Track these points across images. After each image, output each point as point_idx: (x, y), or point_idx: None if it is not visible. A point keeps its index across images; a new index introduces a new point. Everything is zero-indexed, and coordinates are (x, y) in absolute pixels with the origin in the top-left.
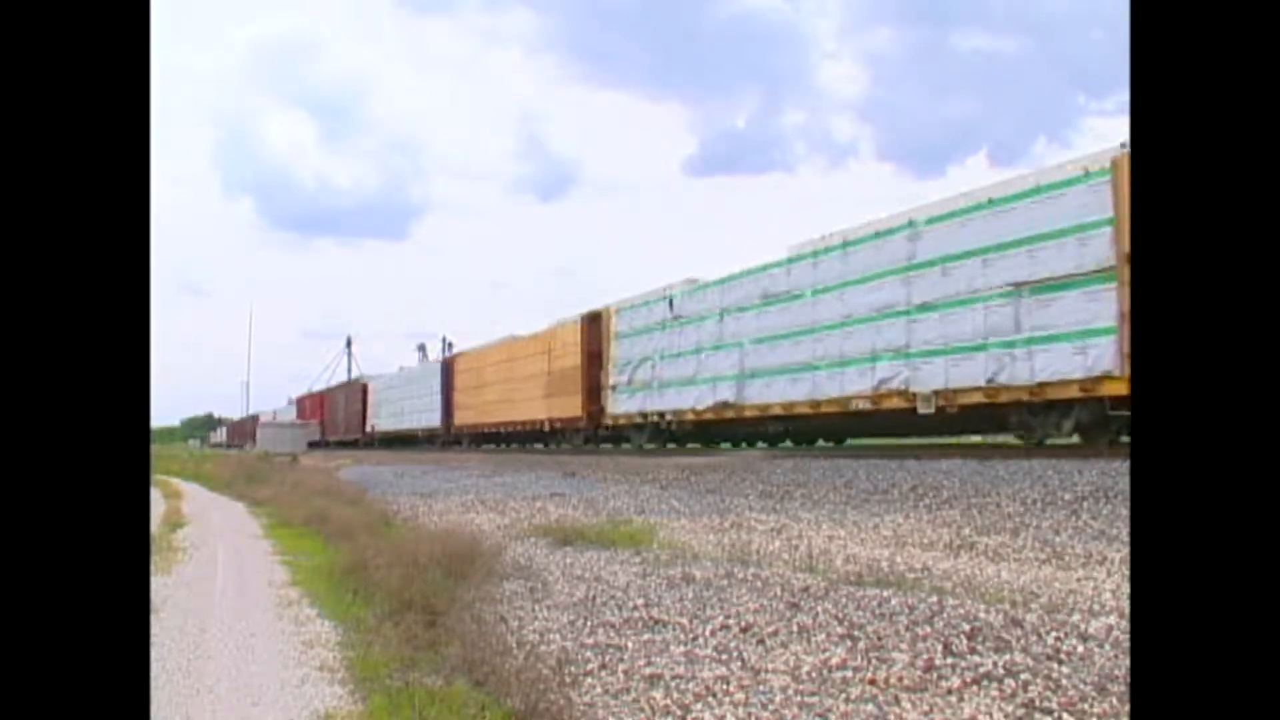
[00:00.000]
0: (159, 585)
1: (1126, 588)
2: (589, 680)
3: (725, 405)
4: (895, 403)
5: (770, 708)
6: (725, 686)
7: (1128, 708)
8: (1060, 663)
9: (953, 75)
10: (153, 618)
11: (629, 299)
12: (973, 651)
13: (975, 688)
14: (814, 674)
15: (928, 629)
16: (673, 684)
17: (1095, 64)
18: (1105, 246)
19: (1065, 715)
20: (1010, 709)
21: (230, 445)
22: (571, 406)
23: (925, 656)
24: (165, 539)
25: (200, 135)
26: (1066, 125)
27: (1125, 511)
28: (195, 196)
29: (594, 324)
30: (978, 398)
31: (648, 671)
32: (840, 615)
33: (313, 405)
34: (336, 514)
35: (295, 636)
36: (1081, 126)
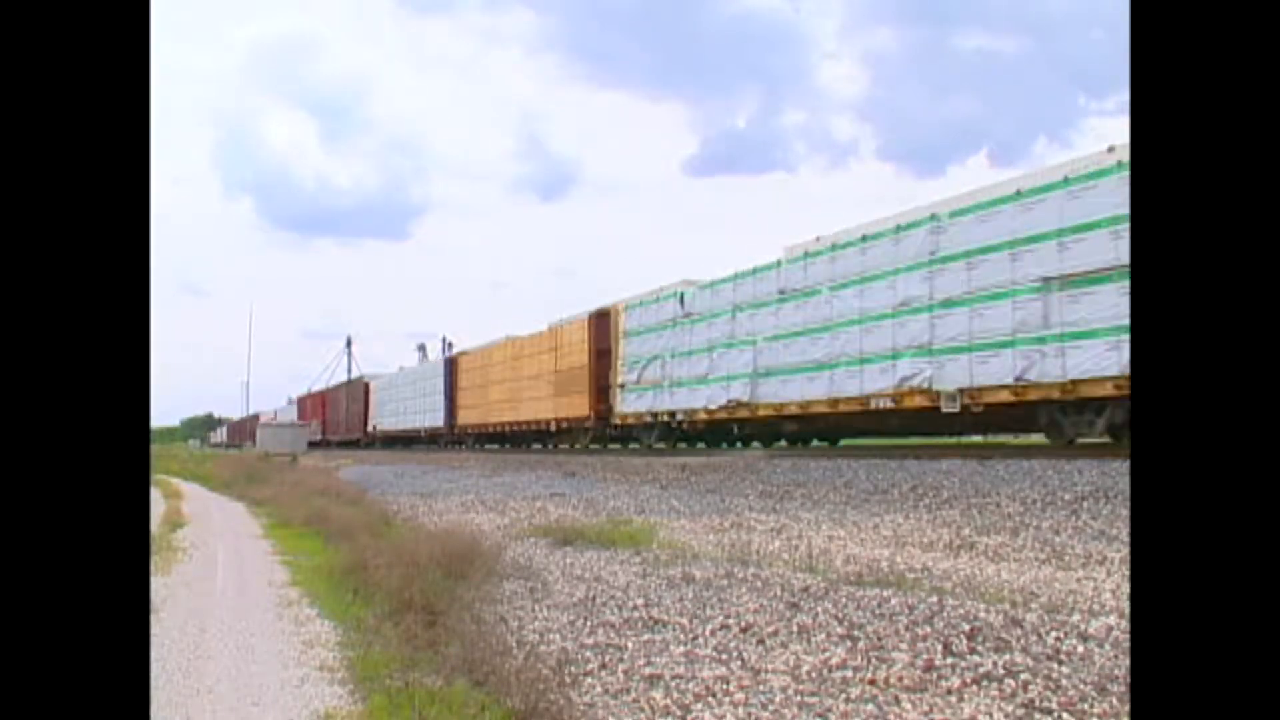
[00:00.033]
0: (159, 585)
1: (1126, 588)
2: (589, 680)
3: (738, 404)
4: (918, 401)
5: (770, 708)
6: (725, 686)
7: (1128, 708)
8: (1060, 663)
9: (953, 75)
10: (153, 618)
11: (638, 296)
12: (973, 651)
13: (975, 688)
14: (814, 674)
15: (928, 629)
16: (673, 684)
17: (1095, 64)
18: None
19: (1065, 715)
20: (1010, 709)
21: (230, 445)
22: (579, 406)
23: (925, 656)
24: (165, 539)
25: (200, 135)
26: (1066, 125)
27: (1125, 511)
28: (195, 196)
29: (602, 321)
30: (1005, 396)
31: (648, 671)
32: (840, 615)
33: (314, 405)
34: (336, 514)
35: (295, 636)
36: (1082, 126)
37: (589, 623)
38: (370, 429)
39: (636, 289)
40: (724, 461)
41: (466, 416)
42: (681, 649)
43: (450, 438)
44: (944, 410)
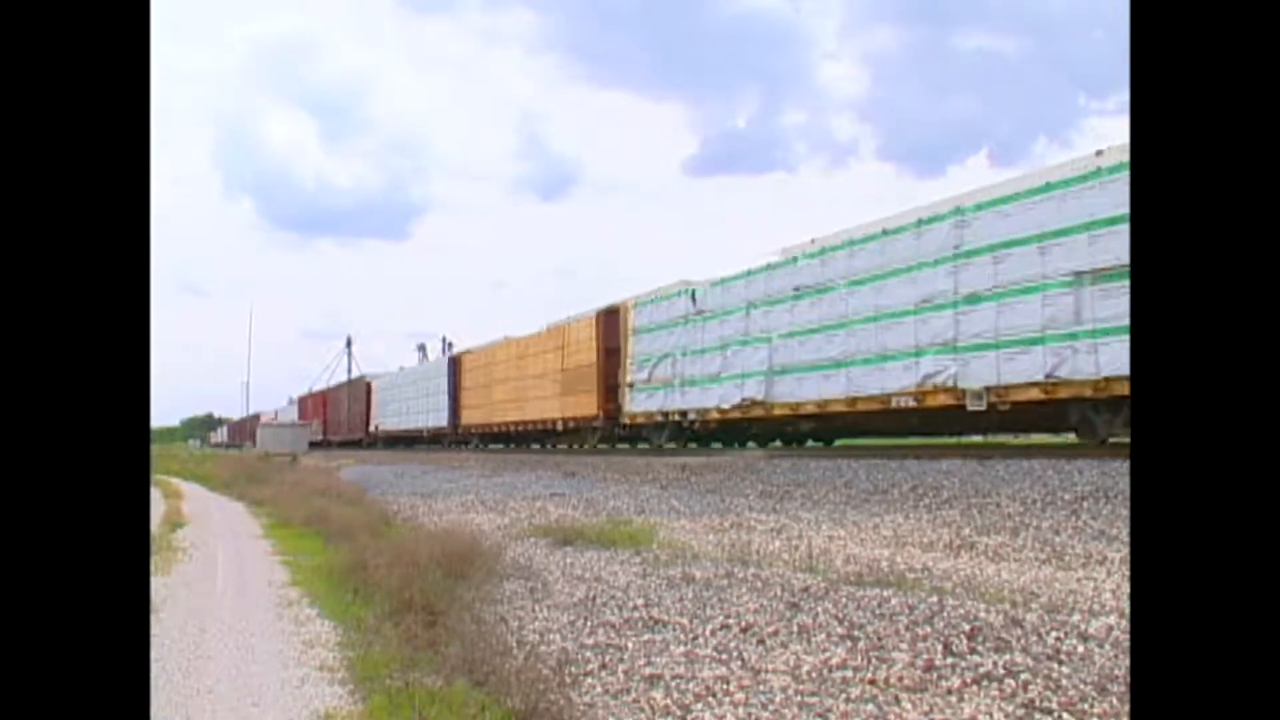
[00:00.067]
0: (159, 585)
1: (1126, 588)
2: (589, 680)
3: (753, 403)
4: (941, 399)
5: (770, 708)
6: (725, 686)
7: (1128, 708)
8: (1060, 663)
9: (953, 75)
10: (153, 618)
11: (647, 293)
12: (973, 651)
13: (975, 688)
14: (814, 674)
15: (928, 629)
16: (673, 684)
17: (1095, 64)
18: None
19: (1065, 715)
20: (1010, 709)
21: (230, 445)
22: (587, 405)
23: (925, 656)
24: (165, 539)
25: (200, 135)
26: (1067, 125)
27: (1125, 511)
28: (195, 196)
29: (610, 319)
30: (1034, 394)
31: (648, 671)
32: (840, 615)
33: (315, 404)
34: (336, 514)
35: (295, 636)
36: (1082, 126)
37: (589, 623)
38: (372, 429)
39: (636, 289)
40: (724, 461)
41: (470, 416)
42: (682, 649)
43: (454, 438)
44: (969, 409)
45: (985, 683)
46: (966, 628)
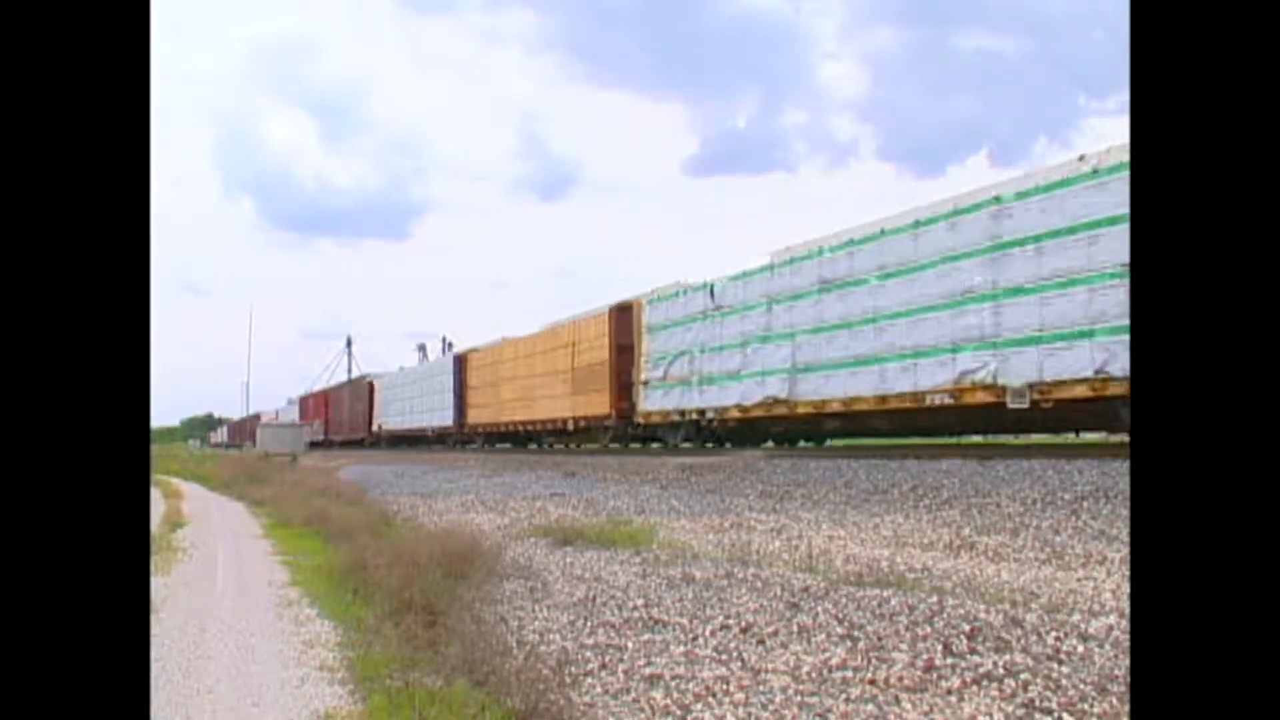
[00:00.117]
0: (159, 585)
1: (1126, 588)
2: (589, 680)
3: (775, 401)
4: (980, 397)
5: (770, 708)
6: (725, 686)
7: (1128, 708)
8: (1060, 663)
9: (953, 75)
10: (153, 618)
11: (657, 290)
12: (973, 651)
13: (975, 688)
14: (814, 674)
15: (928, 629)
16: (673, 684)
17: (1095, 64)
18: None
19: (1065, 715)
20: (1010, 709)
21: (230, 445)
22: (599, 404)
23: (925, 656)
24: (165, 539)
25: (200, 135)
26: (1067, 125)
27: (1125, 511)
28: (195, 196)
29: (623, 316)
30: (1081, 391)
31: (648, 671)
32: (840, 615)
33: (316, 404)
34: (336, 514)
35: (295, 636)
36: (1082, 126)
37: (589, 623)
38: (375, 429)
39: (636, 289)
40: (724, 461)
41: (477, 415)
42: (681, 649)
43: (459, 437)
44: (1010, 406)
45: (985, 683)
46: (966, 628)
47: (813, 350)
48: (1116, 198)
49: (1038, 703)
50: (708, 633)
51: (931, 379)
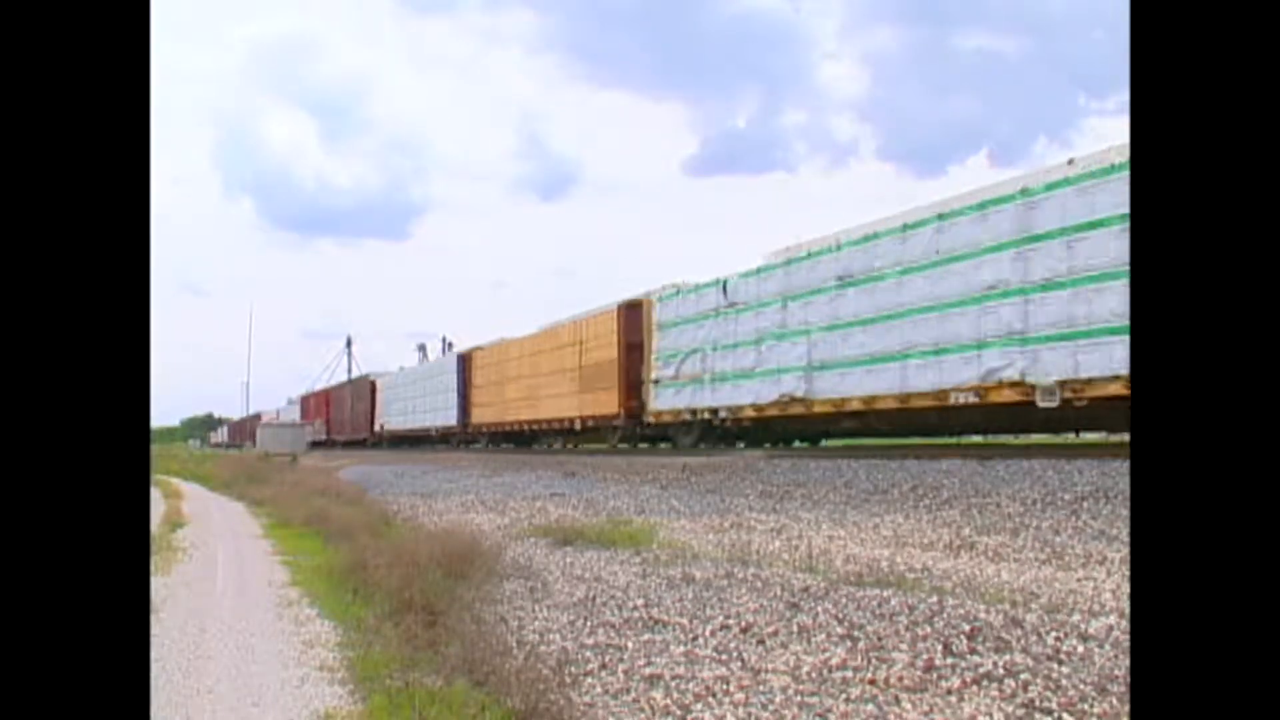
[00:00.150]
0: (159, 585)
1: (1126, 588)
2: (589, 680)
3: (791, 399)
4: (1007, 395)
5: (770, 708)
6: (725, 687)
7: (1128, 708)
8: (1060, 663)
9: (953, 75)
10: (153, 618)
11: (672, 285)
12: (973, 652)
13: (975, 688)
14: (814, 674)
15: (928, 629)
16: (673, 684)
17: (1095, 64)
18: None
19: (1065, 715)
20: (1010, 709)
21: (230, 445)
22: (607, 403)
23: (925, 656)
24: (165, 539)
25: (200, 135)
26: (1067, 125)
27: (1125, 511)
28: (195, 196)
29: (632, 313)
30: (1117, 389)
31: (648, 671)
32: (840, 615)
33: (318, 404)
34: (336, 514)
35: (295, 636)
36: (1082, 126)
37: (589, 623)
38: (377, 428)
39: (635, 289)
40: (724, 461)
41: (481, 415)
42: (681, 649)
43: (463, 437)
44: (1040, 404)
45: (985, 683)
46: (966, 628)
47: (830, 347)
48: None
49: (1038, 703)
50: (708, 633)
51: (956, 376)
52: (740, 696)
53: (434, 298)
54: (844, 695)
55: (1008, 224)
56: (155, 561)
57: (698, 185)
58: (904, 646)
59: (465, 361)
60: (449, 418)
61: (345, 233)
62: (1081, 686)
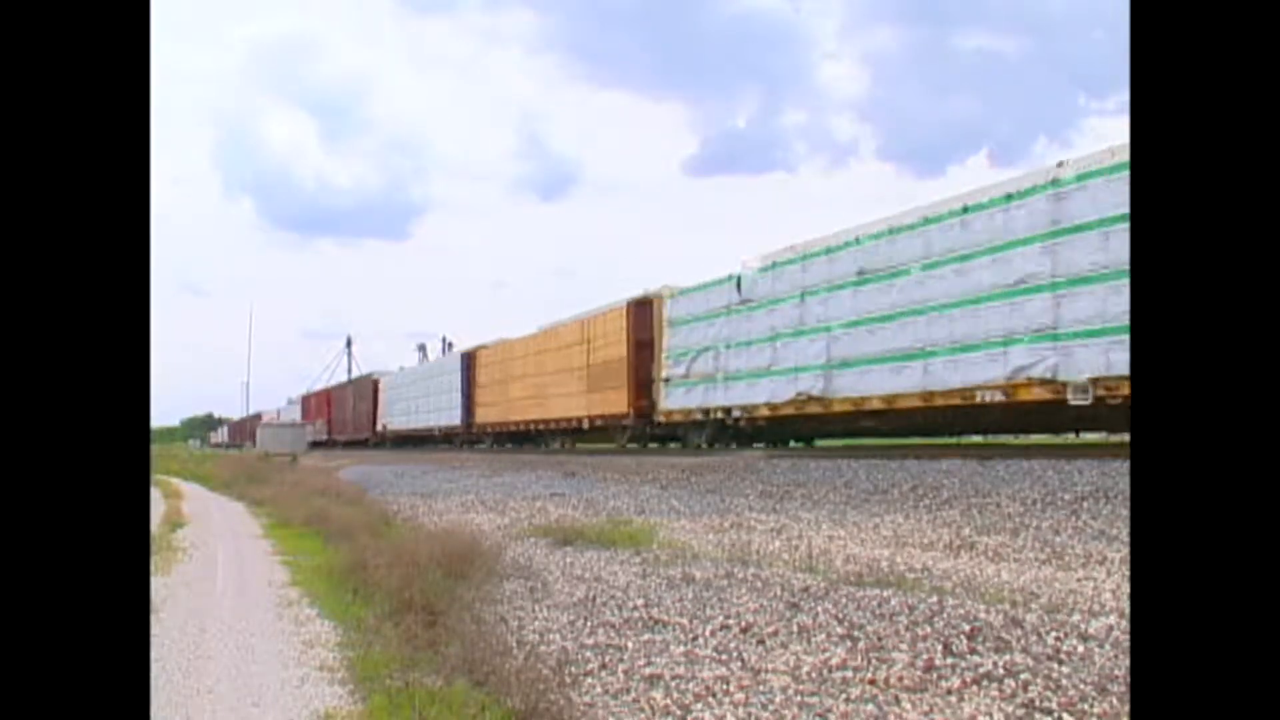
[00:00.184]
0: (159, 585)
1: (1126, 588)
2: (589, 680)
3: (809, 399)
4: (1036, 393)
5: (770, 708)
6: (725, 686)
7: (1128, 708)
8: (1060, 663)
9: (953, 75)
10: (153, 618)
11: (681, 282)
12: (973, 651)
13: (975, 688)
14: (814, 674)
15: (928, 629)
16: (673, 684)
17: (1095, 64)
18: None
19: (1065, 715)
20: (1010, 709)
21: (231, 445)
22: (616, 402)
23: (925, 656)
24: (165, 539)
25: (200, 135)
26: (1067, 125)
27: (1125, 511)
28: (195, 196)
29: (642, 310)
30: None
31: (648, 671)
32: (840, 615)
33: (319, 404)
34: (336, 514)
35: (295, 636)
36: (1082, 126)
37: (589, 623)
38: (380, 428)
39: (635, 289)
40: (724, 461)
41: (486, 415)
42: (681, 649)
43: (467, 437)
44: (1072, 402)
45: (985, 683)
46: (966, 628)
47: (850, 344)
48: None
49: (1038, 703)
50: (708, 633)
51: (982, 374)
52: (740, 696)
53: (434, 298)
54: (844, 695)
55: (1037, 216)
56: (155, 561)
57: (698, 185)
58: (904, 646)
59: (469, 360)
60: (453, 417)
61: (345, 233)
62: (1081, 686)
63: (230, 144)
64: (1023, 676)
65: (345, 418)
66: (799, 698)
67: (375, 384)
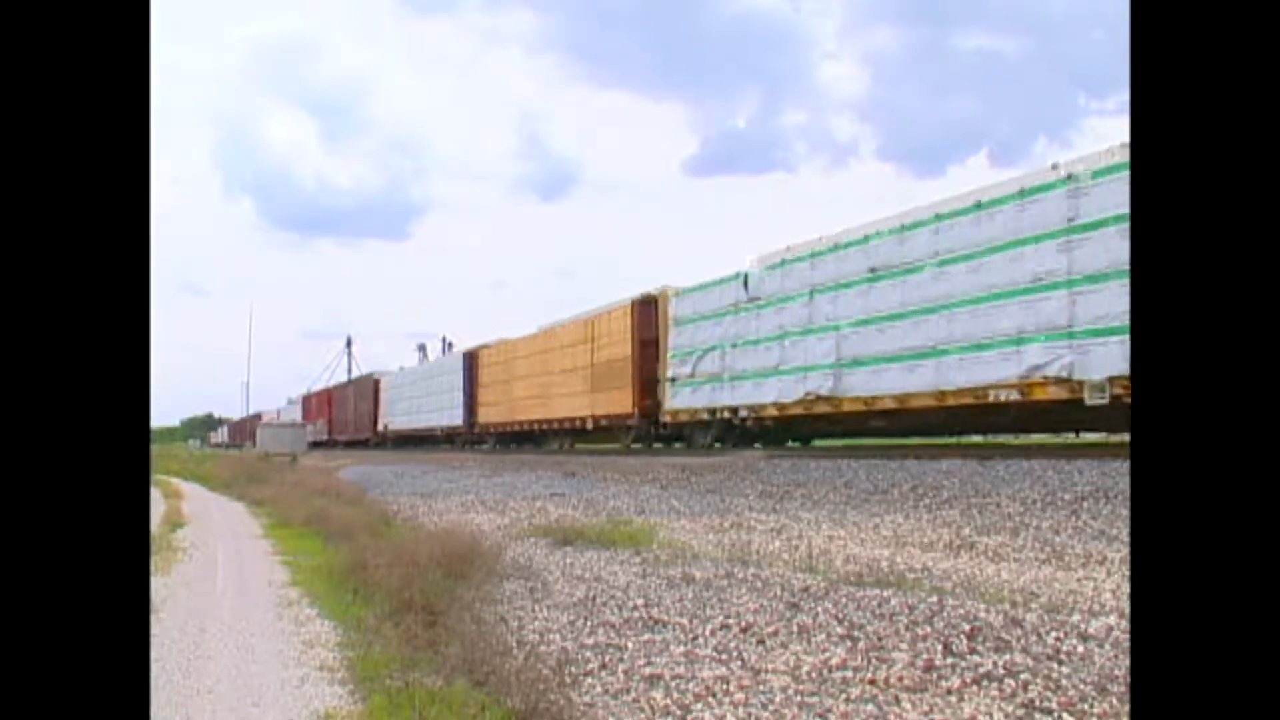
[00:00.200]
0: (159, 585)
1: (1126, 588)
2: (589, 680)
3: (818, 398)
4: (1052, 392)
5: (770, 708)
6: (725, 686)
7: (1128, 708)
8: (1060, 663)
9: (953, 75)
10: (153, 618)
11: (681, 282)
12: (973, 651)
13: (975, 688)
14: (814, 674)
15: (928, 629)
16: (673, 684)
17: (1095, 64)
18: None
19: (1065, 715)
20: (1010, 709)
21: (231, 445)
22: (621, 402)
23: (925, 656)
24: (165, 539)
25: (200, 135)
26: (1066, 125)
27: (1125, 511)
28: (195, 196)
29: (646, 309)
30: None
31: (648, 671)
32: (840, 615)
33: (319, 403)
34: (336, 514)
35: (295, 636)
36: (1082, 126)
37: (589, 623)
38: (381, 428)
39: (635, 289)
40: (724, 461)
41: (488, 414)
42: (681, 649)
43: (470, 437)
44: (1088, 402)
45: (985, 683)
46: (966, 628)
47: (860, 343)
48: None
49: (1038, 703)
50: (708, 633)
51: (996, 373)
52: (740, 696)
53: (434, 298)
54: (844, 695)
55: (1053, 213)
56: (155, 561)
57: (698, 185)
58: (904, 646)
59: (472, 360)
60: (454, 417)
61: (345, 233)
62: (1081, 686)
63: (230, 144)
64: (1023, 676)
65: (346, 418)
66: (799, 698)
67: (376, 384)
